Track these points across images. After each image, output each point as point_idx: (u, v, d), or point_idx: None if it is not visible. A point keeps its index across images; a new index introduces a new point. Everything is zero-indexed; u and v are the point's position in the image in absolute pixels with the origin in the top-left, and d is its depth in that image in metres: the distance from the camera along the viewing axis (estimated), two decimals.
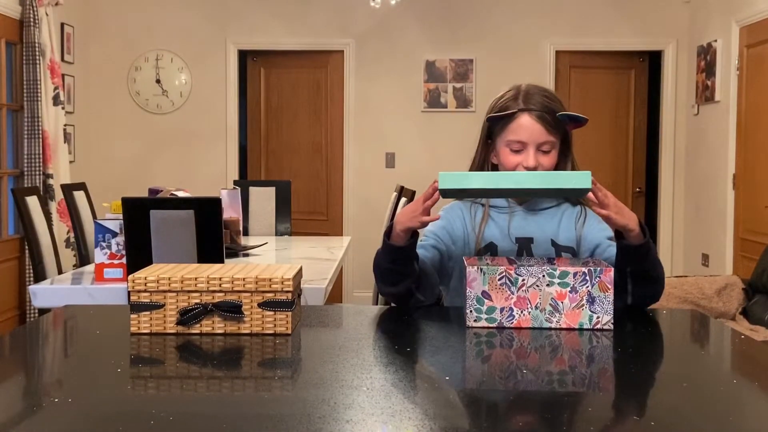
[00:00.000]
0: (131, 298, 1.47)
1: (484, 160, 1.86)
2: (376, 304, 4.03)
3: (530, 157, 1.75)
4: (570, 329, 1.51)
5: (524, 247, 1.80)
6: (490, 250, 1.80)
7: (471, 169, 1.89)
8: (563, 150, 1.81)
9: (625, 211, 1.62)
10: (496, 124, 1.81)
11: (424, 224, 1.66)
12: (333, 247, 4.03)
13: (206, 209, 2.69)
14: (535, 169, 1.75)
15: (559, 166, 1.82)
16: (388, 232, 1.69)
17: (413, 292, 1.72)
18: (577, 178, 1.50)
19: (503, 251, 1.80)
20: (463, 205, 1.87)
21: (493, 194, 1.76)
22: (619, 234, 1.65)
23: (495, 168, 1.86)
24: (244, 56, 6.36)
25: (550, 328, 1.51)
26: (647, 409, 1.10)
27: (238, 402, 1.12)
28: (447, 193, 1.59)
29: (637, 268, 1.66)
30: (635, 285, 1.68)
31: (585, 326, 1.51)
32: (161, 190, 3.39)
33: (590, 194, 1.56)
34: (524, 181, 1.51)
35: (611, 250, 1.77)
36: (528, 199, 1.84)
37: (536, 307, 1.52)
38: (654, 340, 1.52)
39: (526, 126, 1.76)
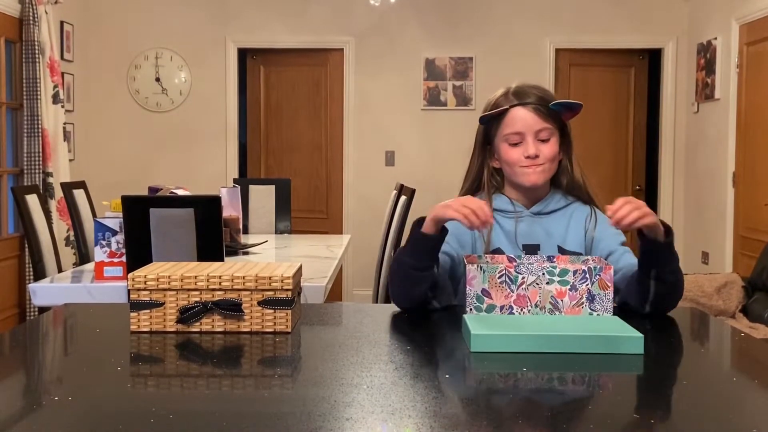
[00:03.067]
0: (131, 296, 1.47)
1: (483, 166, 1.85)
2: (376, 302, 4.03)
3: (530, 145, 1.75)
4: None
5: (530, 255, 1.78)
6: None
7: (467, 176, 1.86)
8: (563, 142, 1.81)
9: (647, 208, 1.53)
10: (491, 125, 1.81)
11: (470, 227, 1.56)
12: (333, 245, 4.03)
13: (206, 207, 2.69)
14: (536, 156, 1.74)
15: (561, 161, 1.81)
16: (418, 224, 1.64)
17: (429, 300, 1.67)
18: (629, 345, 1.35)
19: None
20: None
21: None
22: (641, 233, 1.57)
23: (496, 172, 1.85)
24: (243, 54, 6.36)
25: None
26: (647, 407, 1.10)
27: (238, 400, 1.12)
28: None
29: (663, 270, 1.59)
30: (658, 289, 1.60)
31: None
32: (161, 189, 3.38)
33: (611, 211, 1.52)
34: (572, 347, 1.34)
35: (628, 256, 1.73)
36: (536, 200, 1.82)
37: (536, 305, 1.52)
38: (653, 338, 1.51)
39: (521, 116, 1.76)
